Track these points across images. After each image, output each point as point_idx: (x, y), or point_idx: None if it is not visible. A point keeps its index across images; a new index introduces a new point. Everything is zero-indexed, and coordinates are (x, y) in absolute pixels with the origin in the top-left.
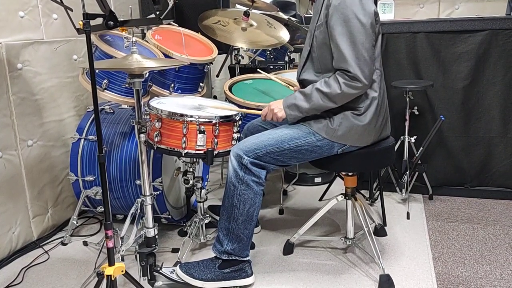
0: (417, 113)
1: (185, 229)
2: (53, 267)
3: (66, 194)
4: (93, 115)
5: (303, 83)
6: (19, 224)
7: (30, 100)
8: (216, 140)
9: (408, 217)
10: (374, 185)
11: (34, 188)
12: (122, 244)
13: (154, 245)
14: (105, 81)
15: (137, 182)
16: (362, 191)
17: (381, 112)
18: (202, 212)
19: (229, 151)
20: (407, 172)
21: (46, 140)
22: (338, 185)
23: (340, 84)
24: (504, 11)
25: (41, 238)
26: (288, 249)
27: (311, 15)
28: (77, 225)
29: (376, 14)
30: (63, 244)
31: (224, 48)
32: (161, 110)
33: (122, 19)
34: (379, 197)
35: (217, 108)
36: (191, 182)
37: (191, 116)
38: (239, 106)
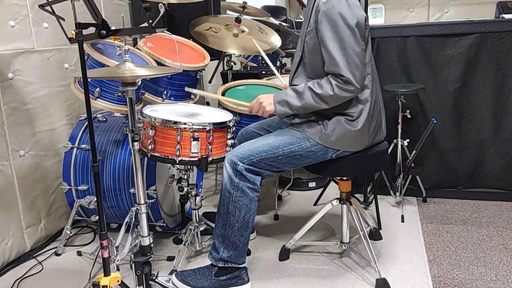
0: (409, 116)
1: (180, 237)
2: (47, 278)
3: (59, 204)
4: (85, 124)
5: None
6: (12, 235)
7: (22, 110)
8: (210, 147)
9: (402, 220)
10: (368, 189)
11: (26, 199)
12: (117, 254)
13: (149, 254)
14: (98, 89)
15: (131, 190)
16: (356, 195)
17: (373, 117)
18: (197, 219)
19: (224, 157)
20: (400, 175)
21: (38, 150)
22: (332, 189)
23: (333, 86)
24: (492, 14)
25: (35, 249)
26: (284, 254)
27: (301, 20)
28: (71, 235)
29: (365, 19)
30: (57, 254)
31: (216, 54)
32: (154, 118)
33: (114, 28)
34: (374, 200)
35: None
36: (185, 189)
37: (185, 123)
38: (233, 112)
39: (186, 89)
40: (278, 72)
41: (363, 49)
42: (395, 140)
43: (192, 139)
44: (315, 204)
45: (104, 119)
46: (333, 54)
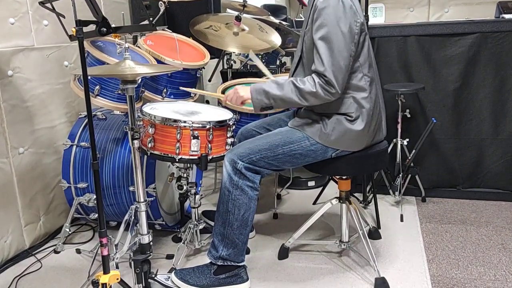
0: (409, 115)
1: (179, 235)
2: (46, 275)
3: (58, 201)
4: (85, 122)
5: None
6: (11, 232)
7: (21, 107)
8: (210, 145)
9: (401, 220)
10: (368, 188)
11: (25, 196)
12: (116, 252)
13: (148, 252)
14: (97, 87)
15: (131, 188)
16: (356, 194)
17: (373, 118)
18: (196, 217)
19: (223, 156)
20: (400, 175)
21: (37, 147)
22: (332, 189)
23: (315, 83)
24: (493, 14)
25: (34, 246)
26: (283, 253)
27: (301, 19)
28: (70, 232)
29: (362, 24)
30: (56, 252)
31: (216, 52)
32: (154, 116)
33: (114, 26)
34: (373, 200)
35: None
36: (185, 187)
37: (185, 122)
38: (232, 111)
39: (181, 87)
40: (278, 71)
41: (351, 55)
42: (394, 140)
43: (192, 137)
44: (314, 203)
45: (104, 117)
46: (320, 53)
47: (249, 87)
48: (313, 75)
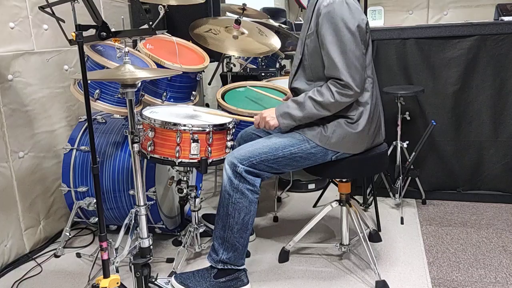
0: (408, 118)
1: (180, 239)
2: (46, 279)
3: (58, 205)
4: (85, 125)
5: (295, 91)
6: (11, 236)
7: (21, 111)
8: (210, 148)
9: (402, 222)
10: (368, 191)
11: (25, 200)
12: (116, 256)
13: (148, 256)
14: (97, 91)
15: (130, 192)
16: (356, 197)
17: (373, 120)
18: (197, 221)
19: (223, 159)
20: (400, 177)
21: (37, 151)
22: (332, 191)
23: (333, 93)
24: (492, 16)
25: (34, 250)
26: (284, 256)
27: (300, 22)
28: (70, 236)
29: (366, 23)
30: (56, 256)
31: (215, 56)
32: (154, 120)
33: (114, 30)
34: (373, 202)
35: (211, 114)
36: (185, 191)
37: (184, 125)
38: (232, 114)
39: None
40: (277, 74)
41: (363, 53)
42: (394, 142)
43: (191, 140)
44: (314, 206)
45: (104, 121)
46: (333, 57)
47: (274, 111)
48: (329, 83)
